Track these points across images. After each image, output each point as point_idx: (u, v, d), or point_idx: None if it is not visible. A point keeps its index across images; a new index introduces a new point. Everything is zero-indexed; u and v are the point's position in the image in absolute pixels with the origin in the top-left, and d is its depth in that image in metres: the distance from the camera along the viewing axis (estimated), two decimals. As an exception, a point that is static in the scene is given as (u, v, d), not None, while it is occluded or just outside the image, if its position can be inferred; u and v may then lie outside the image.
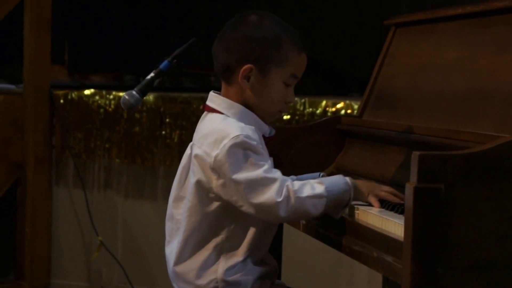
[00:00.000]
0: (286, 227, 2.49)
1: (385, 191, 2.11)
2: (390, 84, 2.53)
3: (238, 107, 2.14)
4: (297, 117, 3.81)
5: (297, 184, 2.04)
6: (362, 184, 2.12)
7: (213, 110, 2.17)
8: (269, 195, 2.00)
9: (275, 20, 2.16)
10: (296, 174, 2.34)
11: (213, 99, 2.18)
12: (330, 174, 2.43)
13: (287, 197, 2.01)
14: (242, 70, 2.12)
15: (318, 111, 3.78)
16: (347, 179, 2.09)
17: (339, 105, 3.75)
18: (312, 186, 2.04)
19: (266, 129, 2.18)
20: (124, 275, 4.13)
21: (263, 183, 2.01)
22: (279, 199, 2.00)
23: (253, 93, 2.14)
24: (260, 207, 2.01)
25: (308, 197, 2.02)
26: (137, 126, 4.12)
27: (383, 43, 2.64)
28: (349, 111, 3.69)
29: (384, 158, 2.36)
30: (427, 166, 1.68)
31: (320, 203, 2.03)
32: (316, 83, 4.38)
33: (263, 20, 2.15)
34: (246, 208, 2.04)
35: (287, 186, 2.02)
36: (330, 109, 3.75)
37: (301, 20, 4.45)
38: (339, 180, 2.08)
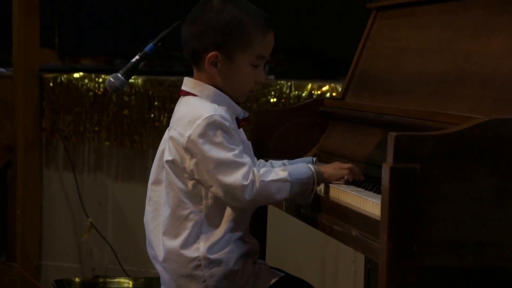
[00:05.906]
0: (270, 207, 2.51)
1: (346, 168, 2.18)
2: (371, 67, 2.56)
3: (211, 89, 2.18)
4: (283, 100, 3.84)
5: (262, 170, 2.10)
6: (326, 170, 2.18)
7: (187, 93, 2.20)
8: (236, 177, 2.05)
9: (238, 4, 2.17)
10: (280, 157, 2.38)
11: (187, 83, 2.22)
12: (313, 156, 2.47)
13: (253, 181, 2.06)
14: (208, 57, 2.15)
15: (304, 94, 3.81)
16: (310, 165, 2.15)
17: (324, 88, 3.77)
18: (276, 172, 2.10)
19: (239, 111, 2.22)
20: (115, 257, 4.17)
21: (232, 165, 2.06)
22: (245, 183, 2.05)
23: (222, 78, 2.17)
24: (227, 188, 2.06)
25: (272, 181, 2.08)
26: (126, 109, 4.14)
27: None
28: (334, 94, 3.71)
29: (366, 139, 2.39)
30: (402, 147, 1.71)
31: (284, 187, 2.09)
32: (305, 68, 4.39)
33: (226, 5, 2.16)
34: (215, 189, 2.08)
35: (253, 171, 2.07)
36: (316, 92, 3.78)
37: (291, 4, 4.48)
38: (301, 166, 2.15)
